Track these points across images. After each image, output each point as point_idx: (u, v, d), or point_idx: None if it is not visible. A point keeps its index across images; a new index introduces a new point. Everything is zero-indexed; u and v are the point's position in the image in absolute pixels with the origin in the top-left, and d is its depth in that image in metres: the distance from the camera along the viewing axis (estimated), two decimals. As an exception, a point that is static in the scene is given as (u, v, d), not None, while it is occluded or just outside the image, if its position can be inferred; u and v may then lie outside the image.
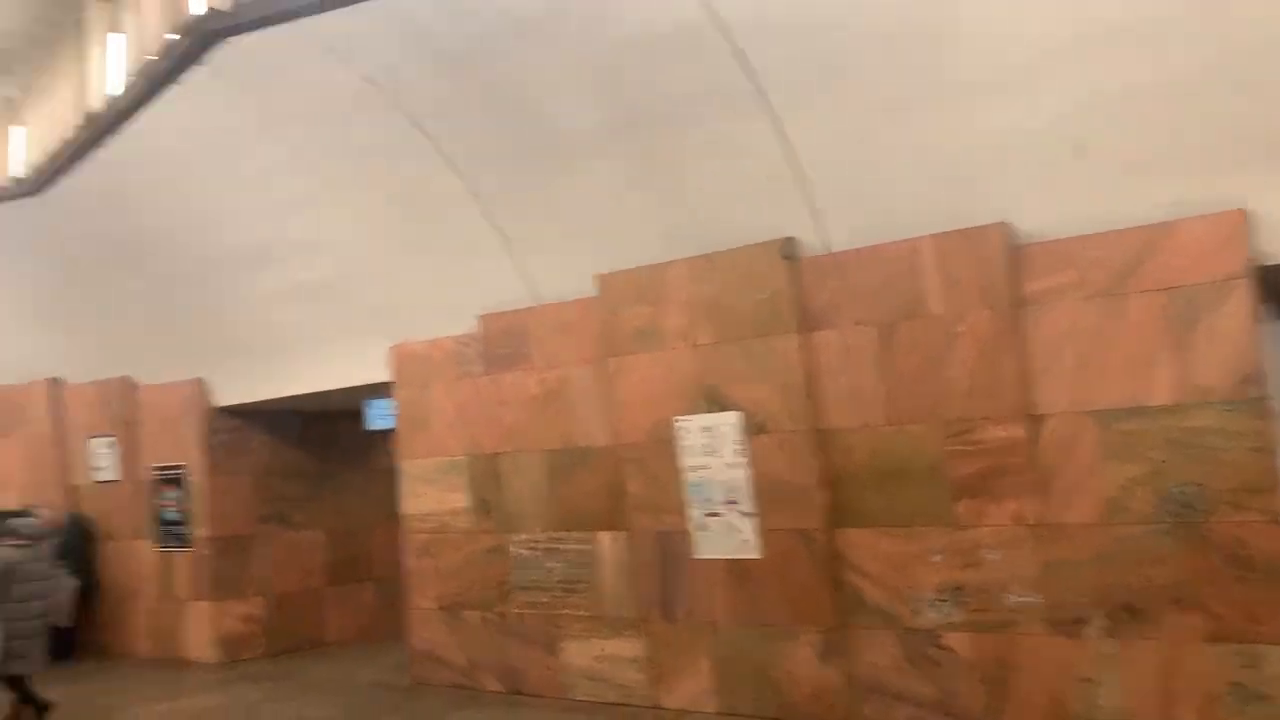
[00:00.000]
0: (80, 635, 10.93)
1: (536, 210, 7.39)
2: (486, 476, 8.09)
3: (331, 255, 8.48)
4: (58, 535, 10.53)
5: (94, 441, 10.96)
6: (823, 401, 6.35)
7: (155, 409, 10.60)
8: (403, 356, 8.62)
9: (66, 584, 7.84)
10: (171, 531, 10.44)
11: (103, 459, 10.92)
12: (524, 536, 7.85)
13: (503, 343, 7.98)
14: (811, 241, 6.42)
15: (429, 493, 8.45)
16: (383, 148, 7.49)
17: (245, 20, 7.05)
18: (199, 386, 10.24)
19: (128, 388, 10.74)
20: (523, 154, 7.13)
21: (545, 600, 7.70)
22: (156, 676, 9.65)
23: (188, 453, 10.32)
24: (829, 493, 6.32)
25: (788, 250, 6.45)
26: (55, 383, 11.28)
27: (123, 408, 10.73)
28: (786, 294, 6.42)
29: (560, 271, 7.57)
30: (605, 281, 7.28)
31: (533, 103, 6.80)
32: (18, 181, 9.75)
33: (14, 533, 7.64)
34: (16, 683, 7.49)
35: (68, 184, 9.02)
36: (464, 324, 8.16)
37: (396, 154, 7.44)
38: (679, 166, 6.66)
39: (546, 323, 7.74)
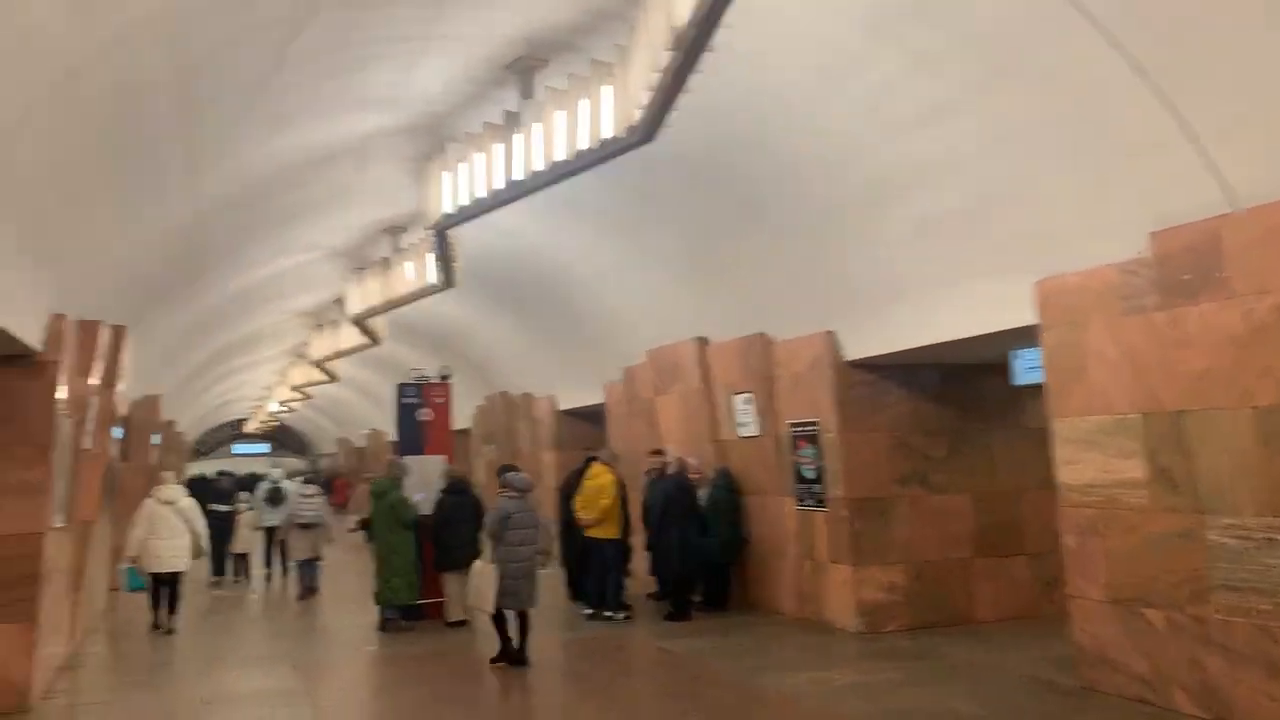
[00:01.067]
0: (733, 589, 11.34)
1: (1224, 83, 5.41)
2: (1167, 440, 6.30)
3: (963, 177, 7.30)
4: (706, 487, 11.03)
5: (736, 398, 11.21)
6: None
7: (789, 364, 10.44)
8: (1051, 292, 7.13)
9: (549, 533, 8.64)
10: (809, 490, 10.22)
11: (744, 414, 11.11)
12: (1227, 521, 5.93)
13: (1185, 265, 6.10)
14: None
15: (1090, 459, 6.88)
16: (1021, 31, 6.09)
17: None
18: (829, 340, 9.80)
19: (764, 344, 10.75)
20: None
21: (1265, 608, 5.72)
22: (798, 640, 9.46)
23: (821, 409, 9.97)
24: None
25: None
26: (701, 341, 11.78)
27: (760, 364, 10.76)
28: None
29: (1268, 159, 5.49)
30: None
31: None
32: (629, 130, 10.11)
33: (509, 485, 8.52)
34: (500, 621, 8.28)
35: (682, 137, 9.05)
36: (1129, 246, 6.43)
37: (1040, 35, 5.99)
38: None
39: (1251, 233, 5.70)
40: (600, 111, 6.75)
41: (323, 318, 18.66)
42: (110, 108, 6.10)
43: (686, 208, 10.20)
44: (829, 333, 9.77)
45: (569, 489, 11.80)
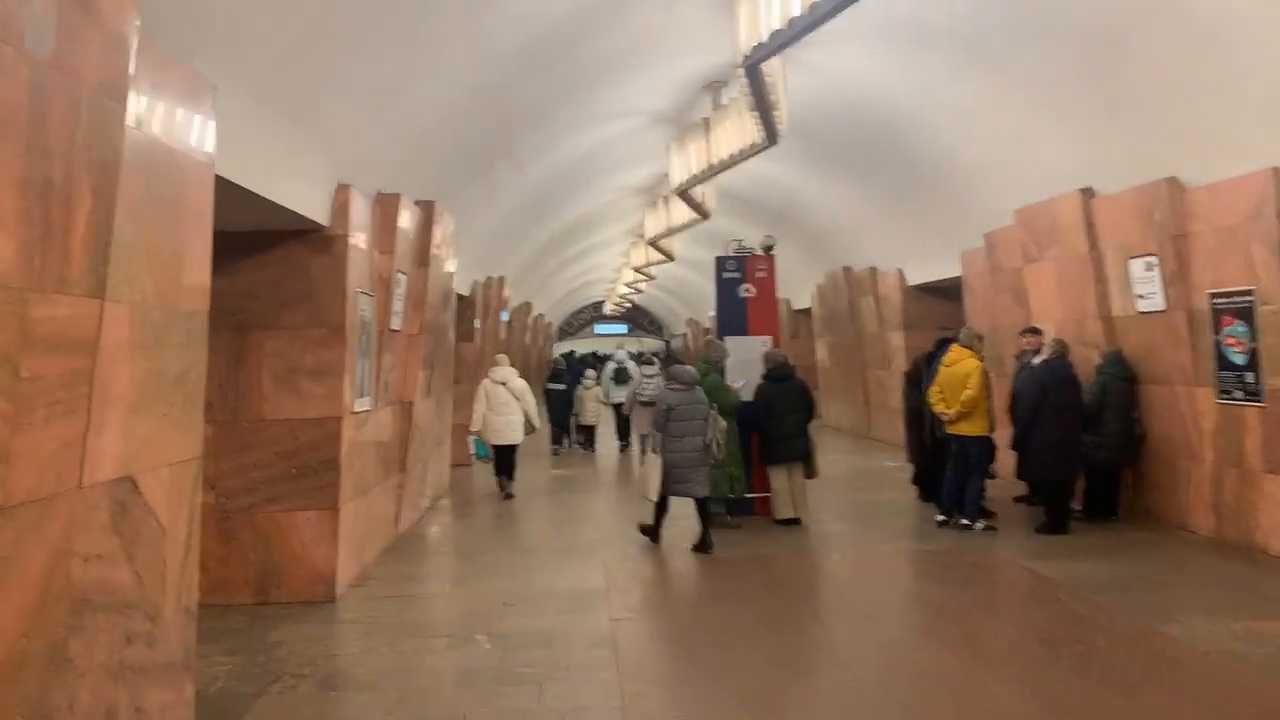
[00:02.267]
0: (1125, 495, 9.26)
1: None
2: None
3: None
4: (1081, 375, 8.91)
5: (1133, 262, 8.86)
6: None
7: (1212, 216, 7.96)
8: None
9: (719, 425, 8.31)
10: (1237, 379, 7.83)
11: (1144, 283, 8.76)
12: None
13: None
14: None
15: None
16: None
17: None
18: (1269, 180, 7.26)
19: (1174, 191, 8.29)
20: None
21: None
22: (1216, 572, 7.33)
23: (1256, 274, 7.50)
24: None
25: None
26: (1087, 193, 9.43)
27: (1168, 218, 8.34)
28: None
29: None
30: None
31: None
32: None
33: (674, 378, 8.51)
34: (701, 505, 8.37)
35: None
36: None
37: None
38: None
39: None
40: None
41: (655, 194, 17.93)
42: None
43: (1073, 15, 7.88)
44: (1270, 171, 7.23)
45: (917, 375, 10.15)
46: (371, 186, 7.73)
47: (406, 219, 8.44)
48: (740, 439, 9.30)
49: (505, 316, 19.22)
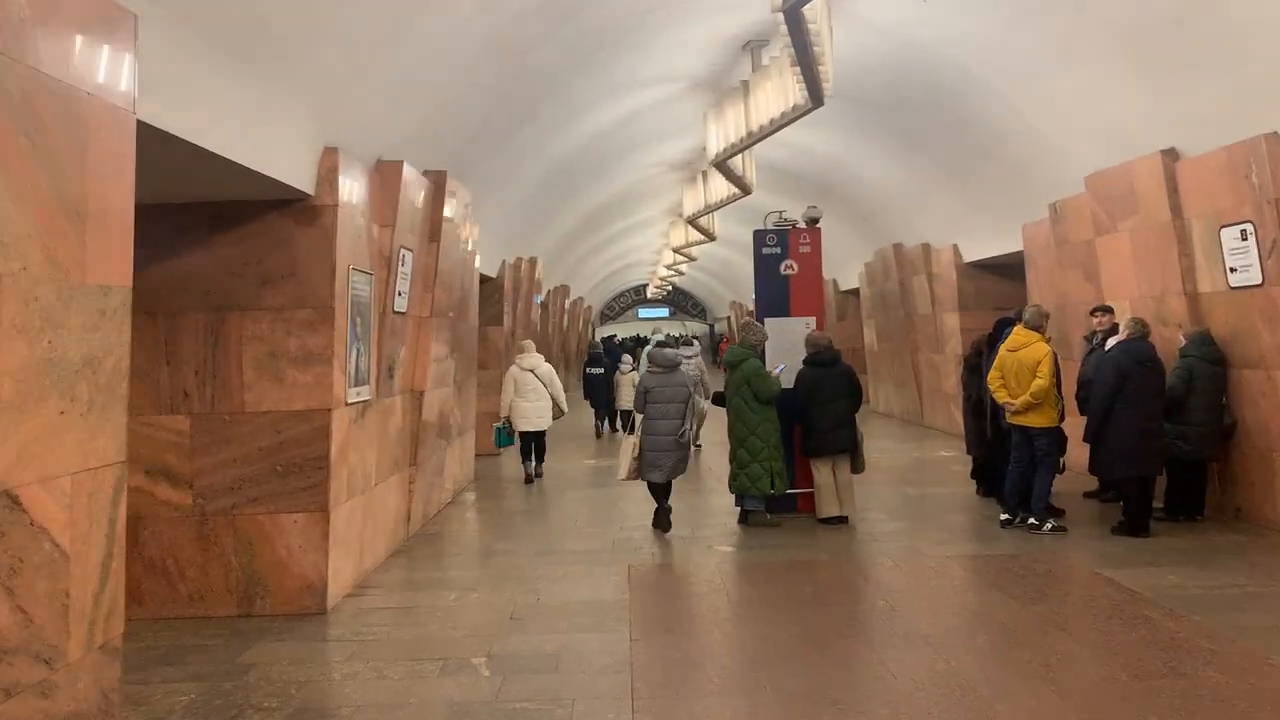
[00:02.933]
0: (1212, 492, 8.31)
1: None
2: None
3: None
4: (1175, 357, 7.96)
5: (1225, 231, 7.86)
6: None
7: (1319, 177, 6.96)
8: None
9: (695, 412, 8.51)
10: (1351, 362, 6.85)
11: (1238, 254, 7.76)
12: None
13: None
14: None
15: None
16: None
17: None
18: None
19: (1273, 150, 7.28)
20: None
21: None
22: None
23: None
24: None
25: None
26: (1170, 155, 8.42)
27: (1266, 180, 7.33)
28: None
29: None
30: None
31: None
32: None
33: (654, 361, 8.46)
34: (662, 489, 8.33)
35: None
36: None
37: None
38: None
39: None
40: None
41: (694, 169, 17.08)
42: None
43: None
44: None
45: (976, 360, 9.25)
46: (369, 153, 6.98)
47: (412, 190, 7.69)
48: (781, 430, 8.48)
49: (539, 299, 18.92)
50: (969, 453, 9.77)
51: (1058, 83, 9.27)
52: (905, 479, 11.22)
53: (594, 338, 37.38)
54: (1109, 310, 8.97)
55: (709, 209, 16.50)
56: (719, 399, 8.76)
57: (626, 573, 7.07)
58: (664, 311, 56.48)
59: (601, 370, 16.42)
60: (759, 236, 9.31)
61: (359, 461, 6.79)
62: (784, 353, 8.90)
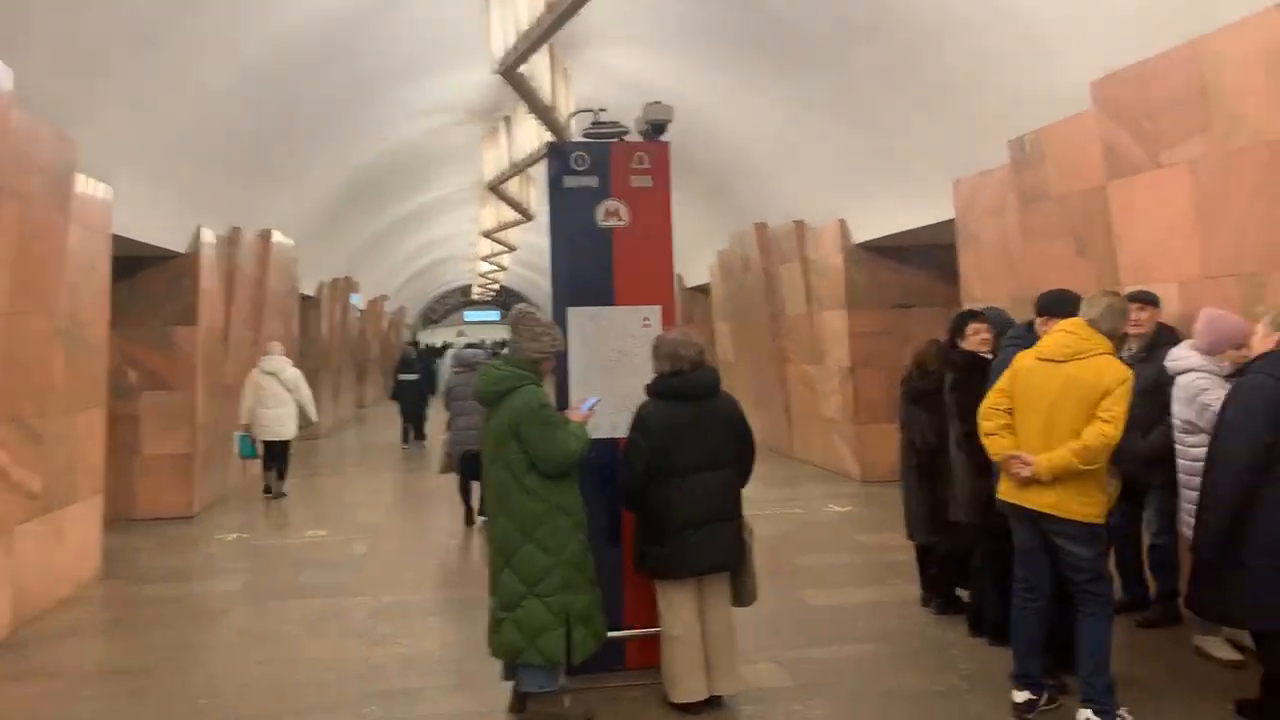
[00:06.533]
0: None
1: None
2: None
3: None
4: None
5: None
6: None
7: None
8: None
9: None
10: None
11: None
12: None
13: None
14: None
15: None
16: None
17: None
18: None
19: None
20: None
21: None
22: None
23: None
24: None
25: None
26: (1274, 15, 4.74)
27: None
28: None
29: None
30: None
31: None
32: None
33: (459, 361, 8.89)
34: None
35: None
36: None
37: None
38: None
39: None
40: None
41: (493, 117, 12.87)
42: None
43: None
44: None
45: (924, 381, 5.54)
46: None
47: None
48: (604, 519, 4.30)
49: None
50: (911, 537, 5.89)
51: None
52: (795, 564, 7.26)
53: (413, 338, 34.90)
54: (1152, 301, 5.28)
55: (515, 169, 12.22)
56: (469, 466, 4.77)
57: None
58: (493, 314, 52.48)
59: (416, 376, 15.87)
60: (557, 155, 5.06)
61: None
62: (602, 373, 4.71)
